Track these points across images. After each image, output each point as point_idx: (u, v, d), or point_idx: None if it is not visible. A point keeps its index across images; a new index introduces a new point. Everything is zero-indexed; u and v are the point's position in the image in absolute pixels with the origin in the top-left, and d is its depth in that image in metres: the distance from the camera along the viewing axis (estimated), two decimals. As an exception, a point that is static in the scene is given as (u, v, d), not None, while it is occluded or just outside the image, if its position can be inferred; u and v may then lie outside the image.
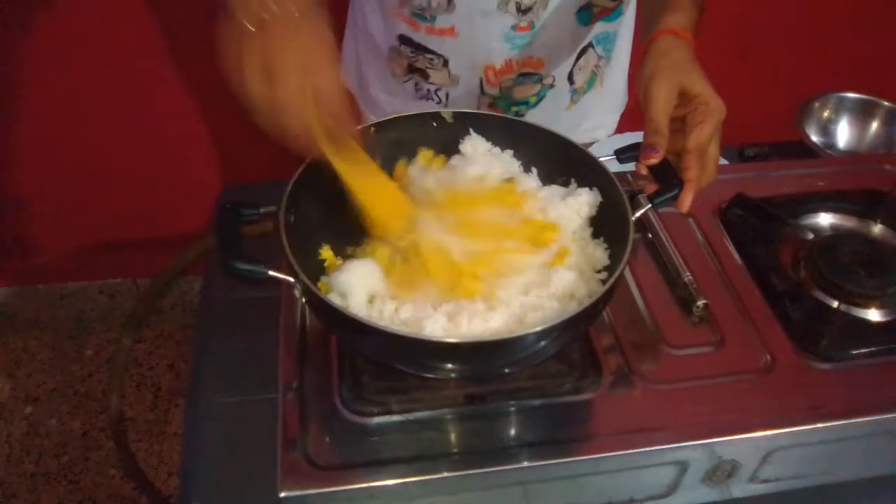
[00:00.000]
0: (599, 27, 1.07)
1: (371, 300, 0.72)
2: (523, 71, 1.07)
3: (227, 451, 0.78)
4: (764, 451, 0.75)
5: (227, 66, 0.67)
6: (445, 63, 1.07)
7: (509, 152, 0.87)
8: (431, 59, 1.07)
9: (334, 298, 0.71)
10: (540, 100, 1.13)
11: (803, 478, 0.81)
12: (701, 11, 0.89)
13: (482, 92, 1.10)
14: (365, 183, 0.76)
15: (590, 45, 1.10)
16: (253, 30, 0.66)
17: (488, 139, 0.87)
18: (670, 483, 0.76)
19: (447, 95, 1.11)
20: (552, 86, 1.11)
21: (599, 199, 0.81)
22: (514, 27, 1.01)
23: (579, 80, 1.13)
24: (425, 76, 1.09)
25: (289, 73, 0.66)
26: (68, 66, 1.63)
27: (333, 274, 0.73)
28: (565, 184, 0.84)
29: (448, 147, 0.87)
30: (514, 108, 1.12)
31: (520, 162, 0.87)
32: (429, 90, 1.11)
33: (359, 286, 0.72)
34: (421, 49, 1.06)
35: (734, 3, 1.63)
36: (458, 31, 1.02)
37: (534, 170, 0.86)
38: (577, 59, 1.10)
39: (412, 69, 1.10)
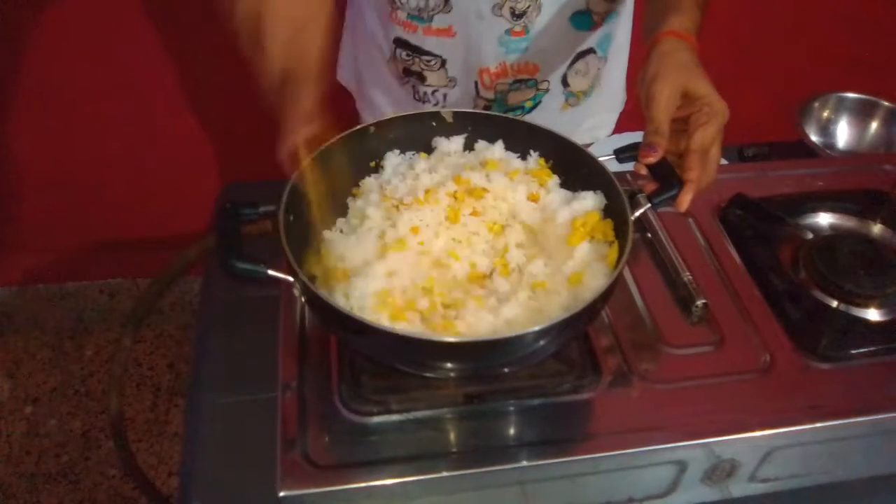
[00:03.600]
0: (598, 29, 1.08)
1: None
2: (518, 77, 1.07)
3: (227, 451, 0.78)
4: (763, 451, 0.75)
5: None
6: (443, 64, 1.07)
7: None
8: (429, 61, 1.07)
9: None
10: (536, 105, 1.13)
11: (802, 477, 0.81)
12: (704, 13, 0.89)
13: (477, 95, 1.10)
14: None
15: (591, 50, 1.10)
16: None
17: (488, 139, 0.87)
18: (669, 482, 0.76)
19: (444, 97, 1.11)
20: (547, 90, 1.11)
21: (604, 201, 0.81)
22: (509, 31, 1.01)
23: (575, 83, 1.12)
24: (422, 79, 1.09)
25: (277, 33, 0.67)
26: (68, 65, 1.63)
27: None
28: (565, 183, 0.85)
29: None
30: (509, 114, 1.12)
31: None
32: (425, 93, 1.11)
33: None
34: (418, 52, 1.06)
35: (734, 3, 1.63)
36: (454, 31, 1.02)
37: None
38: (574, 62, 1.10)
39: (408, 72, 1.10)
